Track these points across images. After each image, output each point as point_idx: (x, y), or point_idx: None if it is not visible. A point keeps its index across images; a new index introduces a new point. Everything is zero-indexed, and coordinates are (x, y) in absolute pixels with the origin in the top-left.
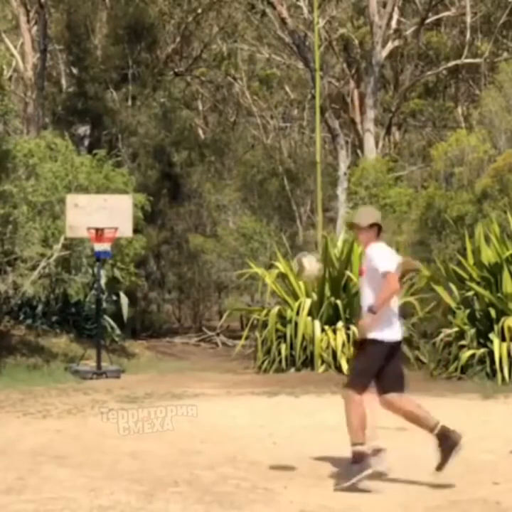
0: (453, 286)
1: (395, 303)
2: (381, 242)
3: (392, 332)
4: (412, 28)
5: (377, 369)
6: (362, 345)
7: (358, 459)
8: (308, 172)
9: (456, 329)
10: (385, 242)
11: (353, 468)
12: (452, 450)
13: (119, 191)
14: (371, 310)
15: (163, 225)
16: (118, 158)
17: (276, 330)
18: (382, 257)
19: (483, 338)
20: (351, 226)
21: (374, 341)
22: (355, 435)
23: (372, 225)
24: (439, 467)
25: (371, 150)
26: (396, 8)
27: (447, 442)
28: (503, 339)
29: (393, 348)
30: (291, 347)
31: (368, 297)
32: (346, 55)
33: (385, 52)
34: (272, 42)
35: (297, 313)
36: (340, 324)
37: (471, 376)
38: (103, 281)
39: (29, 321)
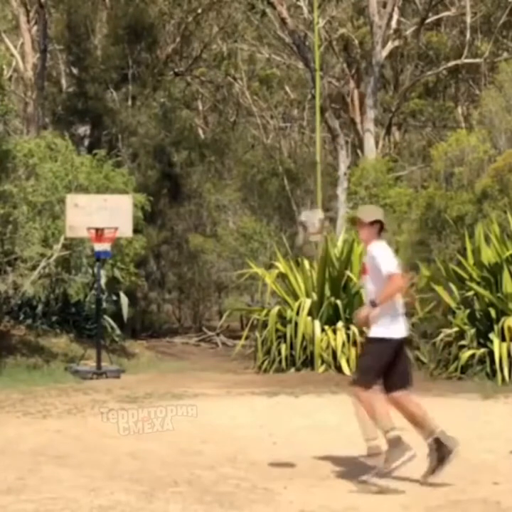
0: (453, 286)
1: (400, 300)
2: (382, 241)
3: (398, 330)
4: (412, 28)
5: (385, 367)
6: (368, 342)
7: (395, 444)
8: (308, 172)
9: (456, 329)
10: (386, 242)
11: (393, 453)
12: (446, 459)
13: (119, 191)
14: (373, 303)
15: (163, 225)
16: (118, 158)
17: (276, 330)
18: (384, 257)
19: (483, 338)
20: (354, 221)
21: (381, 339)
22: (383, 424)
23: (374, 223)
24: (428, 474)
25: (371, 150)
26: (396, 8)
27: (442, 450)
28: (503, 339)
29: (399, 345)
30: (291, 347)
31: (371, 293)
32: (346, 55)
33: (385, 52)
34: (272, 42)
35: (297, 313)
36: (340, 324)
37: (471, 376)
38: (103, 281)
39: (29, 321)
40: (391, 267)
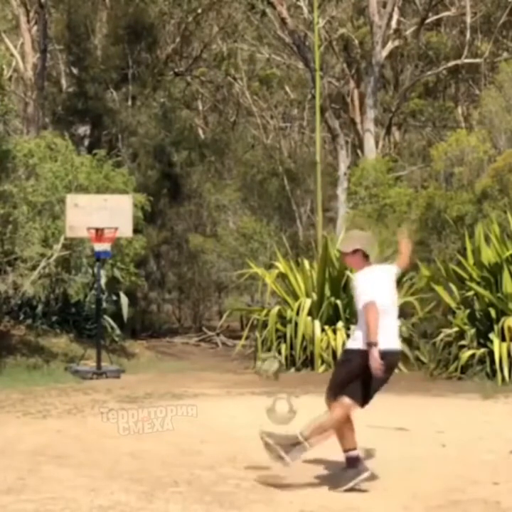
0: (453, 286)
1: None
2: (370, 267)
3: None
4: (412, 28)
5: (356, 378)
6: (345, 354)
7: (354, 464)
8: (308, 172)
9: (456, 329)
10: (385, 242)
11: (348, 472)
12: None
13: (119, 191)
14: (370, 344)
15: (163, 225)
16: (118, 158)
17: (276, 330)
18: (363, 287)
19: (483, 338)
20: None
21: (354, 351)
22: (347, 441)
23: (355, 251)
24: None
25: (371, 150)
26: (396, 8)
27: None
28: (503, 339)
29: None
30: (291, 347)
31: (361, 316)
32: (346, 55)
33: (385, 52)
34: (272, 42)
35: (297, 313)
36: (340, 324)
37: (471, 376)
38: (103, 281)
39: (29, 321)
40: (368, 297)
